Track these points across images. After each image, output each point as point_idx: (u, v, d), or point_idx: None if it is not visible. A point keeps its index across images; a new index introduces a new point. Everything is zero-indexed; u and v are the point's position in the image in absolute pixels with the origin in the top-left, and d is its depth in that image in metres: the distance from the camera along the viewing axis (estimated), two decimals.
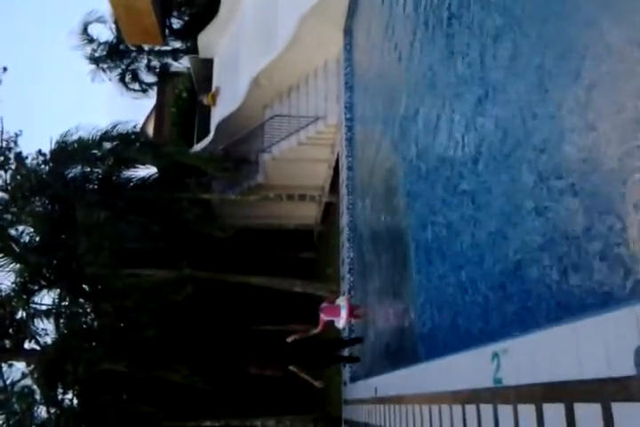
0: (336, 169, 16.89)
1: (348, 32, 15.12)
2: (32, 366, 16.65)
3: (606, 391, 3.07)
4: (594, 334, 3.38)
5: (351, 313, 11.07)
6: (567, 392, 3.48)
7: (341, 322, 11.16)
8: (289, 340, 11.29)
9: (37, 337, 17.11)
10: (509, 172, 5.87)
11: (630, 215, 3.77)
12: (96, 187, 17.84)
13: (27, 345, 17.11)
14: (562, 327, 3.81)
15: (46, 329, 16.86)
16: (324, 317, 11.10)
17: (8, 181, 17.70)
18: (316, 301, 16.48)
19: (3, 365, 17.09)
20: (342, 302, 11.21)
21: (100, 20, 23.82)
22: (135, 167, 18.44)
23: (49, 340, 17.02)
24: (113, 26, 23.98)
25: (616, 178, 3.96)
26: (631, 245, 3.75)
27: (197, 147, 20.55)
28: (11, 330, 17.15)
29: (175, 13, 25.10)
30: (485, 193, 6.60)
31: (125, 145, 17.78)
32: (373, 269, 11.97)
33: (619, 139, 3.98)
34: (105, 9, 23.08)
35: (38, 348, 17.01)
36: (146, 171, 19.08)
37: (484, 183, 6.62)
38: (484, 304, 6.34)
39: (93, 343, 16.63)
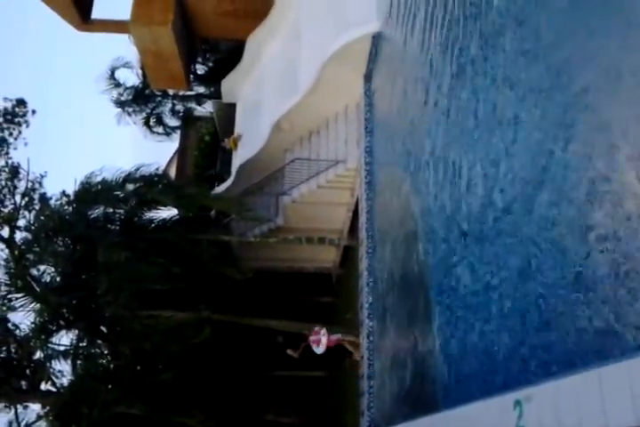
0: (355, 212, 16.90)
1: (369, 78, 15.36)
2: (47, 408, 16.52)
3: None
4: (619, 380, 3.30)
5: (330, 344, 14.01)
6: None
7: (320, 349, 14.07)
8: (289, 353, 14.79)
9: (54, 378, 17.04)
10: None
11: None
12: (118, 228, 18.00)
13: (43, 386, 17.02)
14: (585, 373, 3.73)
15: (63, 371, 16.81)
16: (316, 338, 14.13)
17: (32, 222, 17.97)
18: (334, 347, 16.27)
19: (18, 406, 16.98)
20: (323, 336, 14.09)
21: (126, 65, 24.49)
22: (157, 209, 18.61)
23: (65, 381, 16.94)
24: (139, 71, 24.62)
25: None
26: None
27: (219, 189, 20.75)
28: (28, 371, 17.11)
29: (200, 60, 25.76)
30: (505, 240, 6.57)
31: (148, 187, 18.00)
32: (393, 315, 11.83)
33: None
34: (132, 55, 23.81)
35: (54, 389, 16.90)
36: (167, 212, 19.28)
37: (504, 231, 6.59)
38: (505, 350, 6.23)
39: (109, 386, 16.49)
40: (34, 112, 22.20)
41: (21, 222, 18.39)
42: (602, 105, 5.03)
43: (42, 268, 17.37)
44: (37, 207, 18.43)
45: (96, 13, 22.88)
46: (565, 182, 5.40)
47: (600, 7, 5.29)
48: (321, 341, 14.07)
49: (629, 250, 4.30)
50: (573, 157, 5.32)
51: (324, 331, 14.25)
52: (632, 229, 4.30)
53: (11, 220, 18.09)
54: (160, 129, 26.50)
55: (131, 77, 25.32)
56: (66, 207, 17.94)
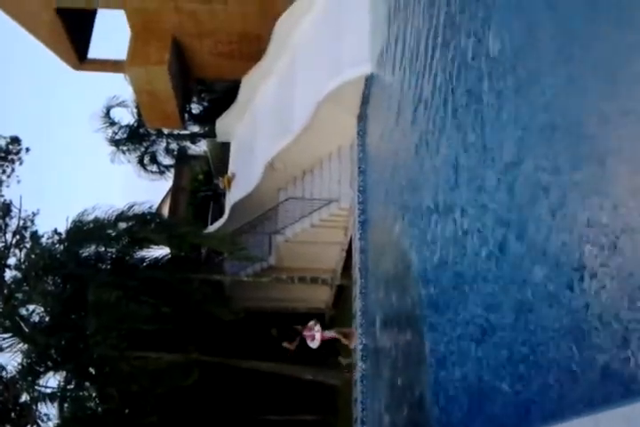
0: (349, 252, 16.83)
1: (362, 118, 15.50)
2: None
3: None
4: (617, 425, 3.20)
5: (323, 339, 14.63)
6: None
7: (315, 343, 14.64)
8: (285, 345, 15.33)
9: (40, 422, 16.59)
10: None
11: None
12: (109, 266, 17.81)
13: None
14: (586, 418, 3.64)
15: (49, 414, 16.39)
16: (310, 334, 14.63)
17: (22, 260, 17.77)
18: (326, 389, 16.01)
19: None
20: (317, 332, 14.61)
21: (122, 104, 24.68)
22: (149, 247, 18.48)
23: (51, 426, 16.50)
24: (134, 110, 24.81)
25: None
26: None
27: (212, 228, 20.68)
28: (13, 414, 16.66)
29: (195, 99, 26.01)
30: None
31: (140, 225, 17.89)
32: (387, 358, 11.64)
33: None
34: (127, 94, 24.04)
35: None
36: (159, 251, 19.13)
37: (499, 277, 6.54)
38: (502, 396, 6.09)
39: None
40: (27, 150, 22.29)
41: (11, 261, 18.20)
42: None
43: (31, 307, 17.10)
44: (28, 245, 18.25)
45: (92, 53, 23.20)
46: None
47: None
48: (315, 336, 14.58)
49: None
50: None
51: (317, 327, 14.69)
52: None
53: (1, 258, 17.90)
54: (154, 167, 26.56)
55: (126, 116, 25.51)
56: (57, 246, 17.77)
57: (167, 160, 26.92)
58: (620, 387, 3.91)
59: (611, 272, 4.36)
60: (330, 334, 14.80)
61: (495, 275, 6.63)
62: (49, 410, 16.37)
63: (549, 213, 5.49)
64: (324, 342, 14.76)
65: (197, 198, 24.16)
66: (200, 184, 24.30)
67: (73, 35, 21.47)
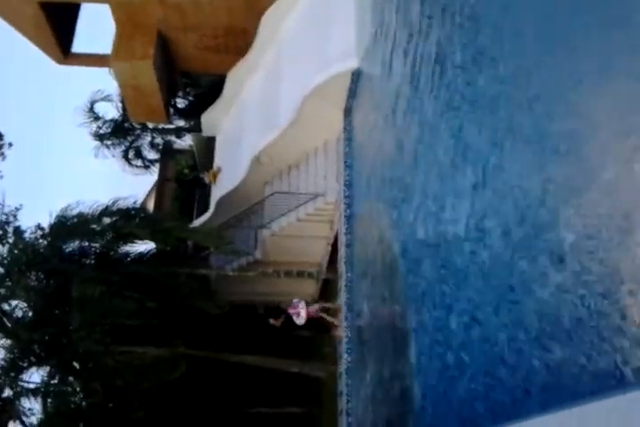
0: (335, 246, 16.86)
1: (348, 113, 15.51)
2: None
3: None
4: (602, 417, 3.24)
5: (309, 316, 14.80)
6: None
7: (300, 320, 14.84)
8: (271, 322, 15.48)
9: (23, 417, 16.49)
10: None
11: None
12: (93, 261, 17.71)
13: (11, 426, 16.45)
14: (564, 413, 3.67)
15: (32, 409, 16.27)
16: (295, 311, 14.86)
17: (5, 255, 17.60)
18: (312, 382, 16.04)
19: None
20: (302, 309, 14.79)
21: (106, 98, 24.49)
22: (134, 242, 18.39)
23: (35, 420, 16.39)
24: (119, 104, 24.64)
25: None
26: None
27: (197, 222, 20.61)
28: None
29: (180, 93, 25.86)
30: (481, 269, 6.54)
31: (125, 220, 17.80)
32: (372, 349, 11.69)
33: None
34: (112, 88, 23.86)
35: None
36: (144, 246, 19.04)
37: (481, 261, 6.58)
38: (484, 388, 6.14)
39: (80, 425, 15.99)
40: (10, 145, 22.04)
41: None
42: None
43: (14, 303, 16.96)
44: (11, 240, 18.07)
45: (77, 47, 22.99)
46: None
47: None
48: (300, 313, 14.77)
49: None
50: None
51: (302, 304, 14.92)
52: None
53: None
54: (139, 162, 26.39)
55: (110, 110, 25.31)
56: (40, 241, 17.61)
57: (152, 155, 26.77)
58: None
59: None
60: (314, 308, 15.02)
61: (482, 270, 6.67)
62: (32, 405, 16.27)
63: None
64: (310, 319, 14.98)
65: (183, 190, 24.02)
66: (185, 176, 24.25)
67: (57, 29, 21.24)
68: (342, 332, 13.83)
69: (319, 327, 16.33)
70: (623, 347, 3.84)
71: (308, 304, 15.12)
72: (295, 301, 15.16)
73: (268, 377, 17.91)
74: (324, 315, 15.00)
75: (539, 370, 4.87)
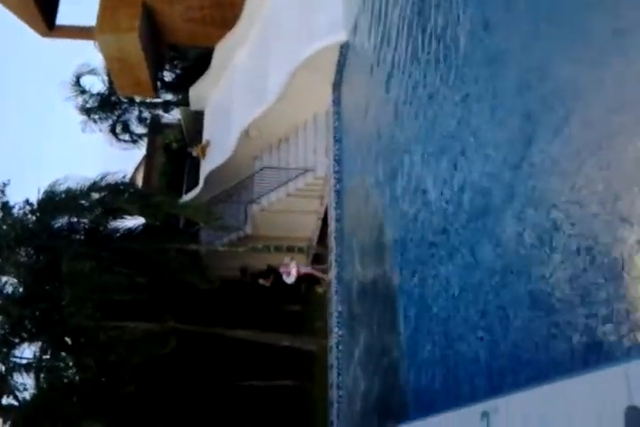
0: (325, 221, 16.87)
1: (337, 86, 15.37)
2: (8, 424, 16.06)
3: None
4: (584, 392, 3.28)
5: (298, 275, 15.33)
6: None
7: (290, 279, 15.35)
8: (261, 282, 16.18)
9: (16, 392, 16.59)
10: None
11: None
12: (83, 237, 17.65)
13: (4, 401, 16.55)
14: (552, 385, 3.71)
15: (25, 384, 16.36)
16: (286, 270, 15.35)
17: None
18: (303, 356, 16.18)
19: None
20: (293, 268, 15.28)
21: (92, 72, 24.14)
22: (123, 218, 18.32)
23: (27, 395, 16.49)
24: (105, 78, 24.30)
25: None
26: None
27: (186, 197, 20.52)
28: None
29: (168, 67, 25.52)
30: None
31: (114, 195, 17.69)
32: (362, 323, 11.78)
33: None
34: (98, 61, 23.50)
35: (16, 404, 16.46)
36: (133, 221, 18.98)
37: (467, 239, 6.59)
38: (474, 359, 6.20)
39: (73, 400, 16.11)
40: None
41: None
42: None
43: (3, 279, 16.93)
44: None
45: (61, 19, 22.56)
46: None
47: None
48: (291, 272, 15.30)
49: None
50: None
51: (293, 263, 15.43)
52: None
53: None
54: (126, 137, 26.13)
55: (97, 84, 24.97)
56: (29, 216, 17.50)
57: (140, 129, 26.50)
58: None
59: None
60: (305, 269, 15.52)
61: (468, 242, 6.68)
62: (25, 380, 16.35)
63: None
64: (299, 277, 15.51)
65: (171, 164, 23.84)
66: (174, 153, 24.10)
67: (40, 1, 20.81)
68: (334, 307, 13.92)
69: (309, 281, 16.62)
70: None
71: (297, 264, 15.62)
72: (286, 259, 15.59)
73: (260, 351, 18.05)
74: (314, 271, 15.60)
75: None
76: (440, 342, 6.94)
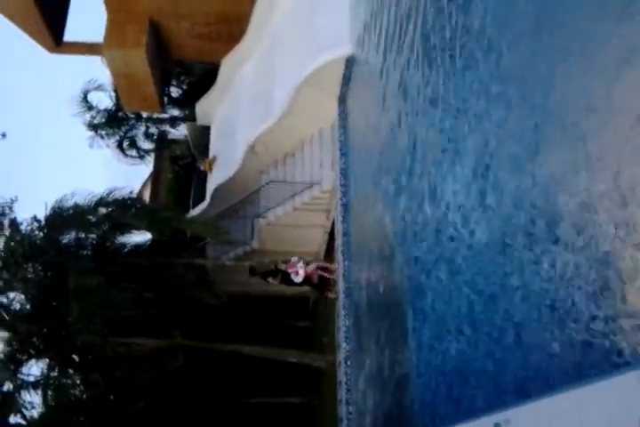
0: (332, 234, 16.81)
1: (343, 100, 15.39)
2: None
3: None
4: (596, 401, 3.21)
5: (306, 275, 15.12)
6: None
7: (298, 278, 15.11)
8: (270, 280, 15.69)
9: (23, 411, 16.49)
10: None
11: None
12: (90, 253, 17.65)
13: (12, 419, 16.45)
14: (564, 395, 3.64)
15: (33, 402, 16.26)
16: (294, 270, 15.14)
17: (1, 247, 17.54)
18: (311, 372, 16.04)
19: None
20: (300, 268, 15.11)
21: (99, 88, 24.32)
22: (130, 233, 18.33)
23: (35, 413, 16.39)
24: (112, 94, 24.46)
25: None
26: None
27: (193, 212, 20.54)
28: None
29: (174, 82, 25.69)
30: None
31: (121, 211, 17.73)
32: (370, 338, 11.67)
33: None
34: (105, 78, 23.69)
35: (24, 422, 16.35)
36: (141, 237, 18.99)
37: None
38: (485, 370, 6.11)
39: (81, 418, 16.00)
40: (4, 135, 21.95)
41: None
42: None
43: (11, 295, 16.92)
44: (7, 233, 17.99)
45: (69, 35, 22.80)
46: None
47: None
48: (298, 271, 15.15)
49: None
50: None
51: (300, 263, 15.27)
52: None
53: None
54: (134, 152, 26.26)
55: (104, 100, 25.15)
56: (37, 232, 17.54)
57: (147, 144, 26.64)
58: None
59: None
60: (312, 267, 15.34)
61: (475, 259, 6.62)
62: (33, 398, 16.26)
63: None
64: (307, 277, 15.29)
65: (179, 180, 23.94)
66: (181, 168, 24.21)
67: (48, 17, 21.03)
68: (342, 322, 13.80)
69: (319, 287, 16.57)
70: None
71: (306, 263, 15.45)
72: (294, 259, 15.42)
73: (268, 367, 17.92)
74: (323, 272, 15.36)
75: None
76: (450, 351, 6.85)
